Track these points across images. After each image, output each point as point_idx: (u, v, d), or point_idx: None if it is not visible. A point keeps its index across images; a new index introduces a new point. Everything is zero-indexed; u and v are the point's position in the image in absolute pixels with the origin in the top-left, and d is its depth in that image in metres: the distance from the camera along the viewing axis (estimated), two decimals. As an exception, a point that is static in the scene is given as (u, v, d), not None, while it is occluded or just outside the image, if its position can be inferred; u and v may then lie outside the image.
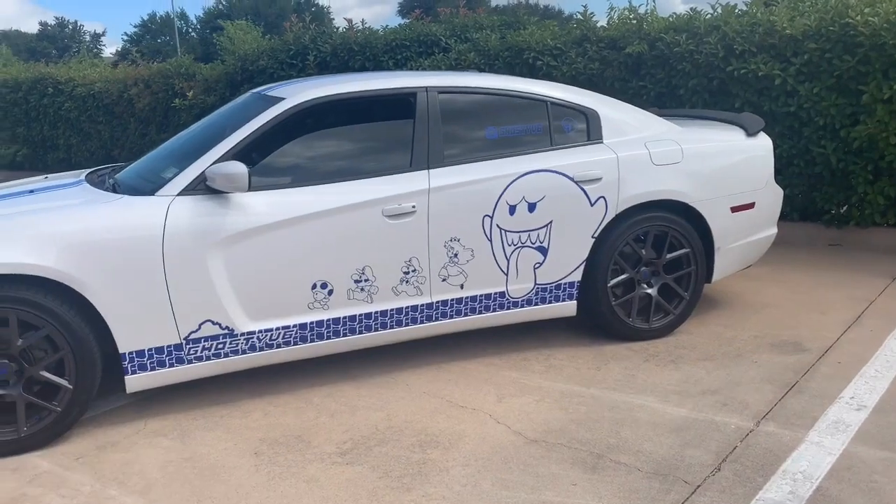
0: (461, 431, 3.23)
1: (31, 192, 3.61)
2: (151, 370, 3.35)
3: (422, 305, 3.72)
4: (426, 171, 3.67)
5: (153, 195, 3.35)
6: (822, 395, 3.41)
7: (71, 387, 3.21)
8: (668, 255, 4.11)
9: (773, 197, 4.43)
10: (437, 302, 3.74)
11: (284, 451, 3.14)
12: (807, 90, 5.65)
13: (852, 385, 3.49)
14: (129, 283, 3.22)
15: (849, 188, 5.75)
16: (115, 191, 3.52)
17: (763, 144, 4.38)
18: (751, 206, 4.31)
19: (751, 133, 4.37)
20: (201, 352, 3.41)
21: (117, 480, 2.97)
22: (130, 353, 3.29)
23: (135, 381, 3.33)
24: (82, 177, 3.90)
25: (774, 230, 4.53)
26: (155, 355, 3.34)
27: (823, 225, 5.96)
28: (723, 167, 4.20)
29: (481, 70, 7.13)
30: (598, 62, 6.50)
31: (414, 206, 3.59)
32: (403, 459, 3.03)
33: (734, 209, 4.25)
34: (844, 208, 5.87)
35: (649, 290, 4.12)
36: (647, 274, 4.12)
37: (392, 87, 3.76)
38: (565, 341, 4.16)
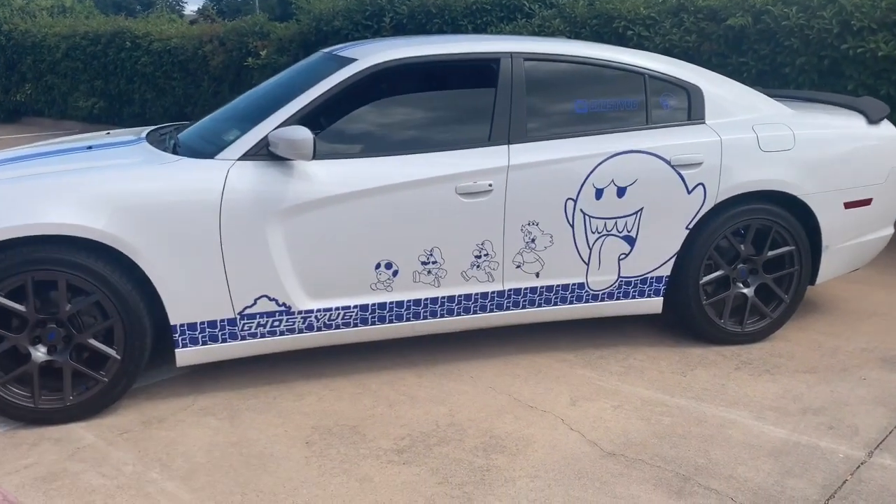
0: (530, 436, 2.93)
1: (90, 148, 3.43)
2: (203, 344, 3.15)
3: (492, 293, 3.42)
4: (506, 147, 3.34)
5: (213, 158, 3.12)
6: (944, 424, 2.99)
7: (119, 357, 3.04)
8: (770, 253, 3.69)
9: (893, 193, 3.94)
10: (510, 290, 3.43)
11: (337, 442, 2.90)
12: (932, 74, 5.06)
13: (981, 415, 3.05)
14: (183, 251, 3.01)
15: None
16: (174, 151, 3.30)
17: (886, 134, 3.88)
18: (867, 202, 3.84)
19: (873, 120, 3.88)
20: (256, 328, 3.19)
21: (160, 461, 2.78)
22: (182, 325, 3.10)
23: (185, 355, 3.14)
24: (143, 135, 3.71)
25: (891, 231, 4.05)
26: (207, 329, 3.13)
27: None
28: (839, 157, 3.73)
29: (567, 38, 6.69)
30: (696, 34, 5.99)
31: (491, 185, 3.27)
32: (466, 464, 2.75)
33: (848, 205, 3.79)
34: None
35: (745, 290, 3.71)
36: (745, 272, 3.71)
37: (473, 51, 3.43)
38: (646, 340, 3.80)
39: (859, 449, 2.83)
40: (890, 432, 2.94)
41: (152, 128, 3.96)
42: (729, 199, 3.58)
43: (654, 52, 5.87)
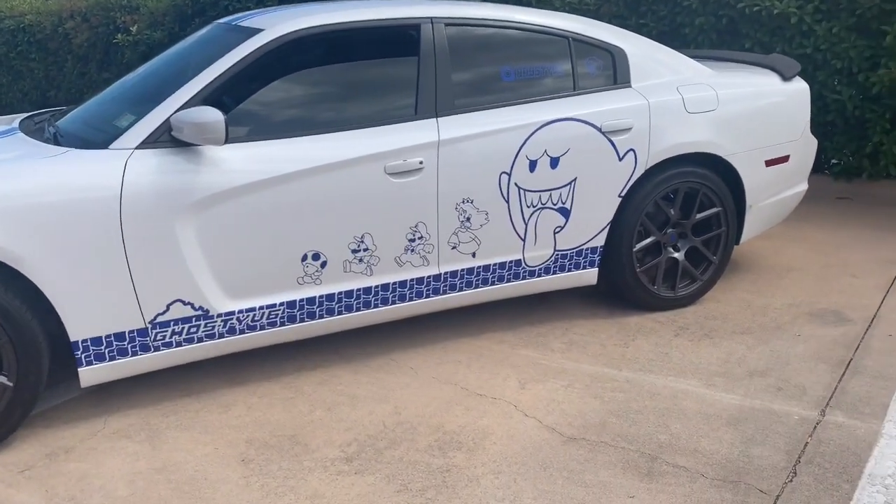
0: (485, 427, 2.76)
1: (-48, 143, 2.95)
2: (111, 360, 2.78)
3: (428, 277, 3.20)
4: (434, 120, 3.11)
5: (106, 148, 2.72)
6: (882, 375, 3.04)
7: (11, 384, 2.63)
8: (699, 215, 3.66)
9: (807, 149, 3.99)
10: (446, 273, 3.23)
11: (278, 456, 2.63)
12: (824, 30, 5.19)
13: (913, 363, 3.13)
14: (79, 257, 2.62)
15: (863, 137, 5.37)
16: (57, 142, 2.88)
17: (800, 90, 3.91)
18: (785, 159, 3.87)
19: (787, 77, 3.90)
20: (171, 337, 2.85)
21: (74, 500, 2.43)
22: (84, 340, 2.71)
23: (90, 374, 2.77)
24: (15, 124, 3.23)
25: (805, 186, 4.11)
26: (115, 342, 2.77)
27: (832, 177, 5.59)
28: (759, 116, 3.73)
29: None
30: (595, -4, 5.93)
31: (421, 162, 3.04)
32: (423, 466, 2.55)
33: (768, 163, 3.80)
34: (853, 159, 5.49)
35: (676, 255, 3.67)
36: (675, 236, 3.67)
37: (390, 17, 3.16)
38: (581, 313, 3.70)
39: (811, 408, 2.83)
40: (835, 389, 2.96)
41: (24, 116, 3.46)
42: (658, 163, 3.50)
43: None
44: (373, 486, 2.46)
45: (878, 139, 5.26)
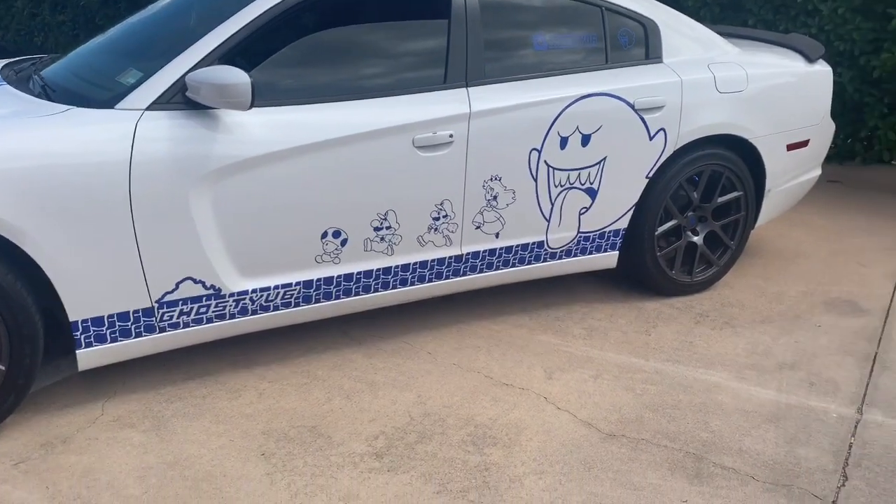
0: (518, 421, 2.62)
1: (-73, 93, 2.61)
2: (112, 341, 2.53)
3: (450, 258, 3.02)
4: (464, 90, 2.89)
5: (112, 108, 2.43)
6: (910, 371, 3.00)
7: (3, 367, 2.36)
8: (720, 199, 3.54)
9: (826, 134, 3.91)
10: (468, 254, 3.05)
11: (300, 451, 2.44)
12: (829, 10, 5.10)
13: (937, 359, 3.09)
14: (83, 230, 2.35)
15: (859, 121, 5.34)
16: (48, 97, 2.57)
17: (824, 73, 3.81)
18: (805, 143, 3.78)
19: (812, 59, 3.78)
20: (178, 317, 2.61)
21: (81, 499, 2.20)
22: (84, 321, 2.46)
23: (89, 357, 2.51)
24: (-5, 74, 2.90)
25: (819, 171, 4.04)
26: (118, 322, 2.52)
27: (824, 160, 5.55)
28: (786, 98, 3.61)
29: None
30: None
31: (451, 136, 2.83)
32: (459, 464, 2.39)
33: (790, 147, 3.70)
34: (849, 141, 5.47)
35: (695, 239, 3.56)
36: (694, 220, 3.55)
37: (421, -24, 2.91)
38: (596, 297, 3.57)
39: (847, 405, 2.76)
40: (867, 385, 2.90)
41: (2, 63, 3.11)
42: (687, 144, 3.36)
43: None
44: (409, 485, 2.29)
45: (874, 123, 5.23)
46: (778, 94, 3.58)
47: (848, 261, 4.07)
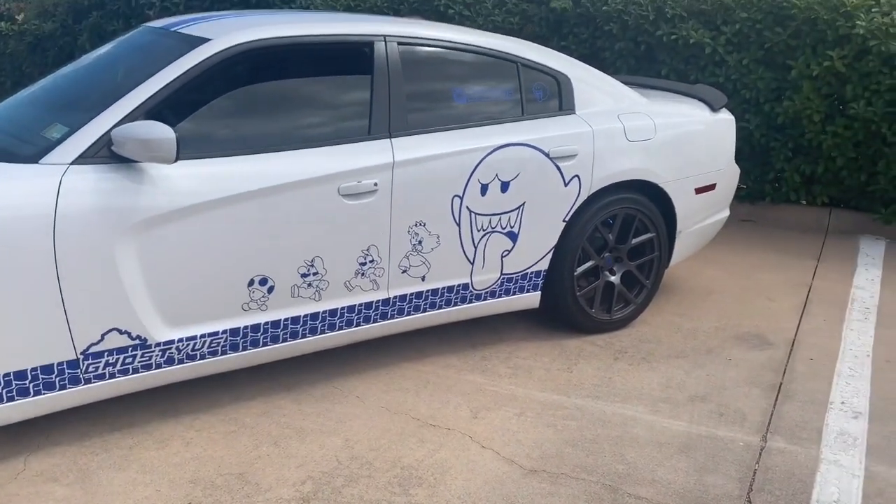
0: (443, 461, 2.70)
1: None
2: (36, 395, 2.53)
3: (377, 302, 3.11)
4: (388, 141, 3.02)
5: (37, 163, 2.47)
6: (811, 400, 3.19)
7: (-80, 425, 2.34)
8: (634, 241, 3.74)
9: (732, 178, 4.17)
10: (395, 297, 3.14)
11: (228, 498, 2.46)
12: (735, 61, 5.46)
13: (835, 388, 3.30)
14: (6, 282, 2.36)
15: (766, 164, 5.68)
16: (-30, 152, 2.59)
17: (727, 121, 4.08)
18: (713, 187, 4.02)
19: (715, 108, 4.06)
20: (104, 368, 2.62)
21: (0, 556, 2.18)
22: (6, 375, 2.45)
23: (12, 411, 2.50)
24: (-84, 128, 2.89)
25: (727, 213, 4.30)
26: (41, 376, 2.51)
27: (737, 200, 5.87)
28: (691, 146, 3.86)
29: (384, 13, 6.39)
30: (518, 16, 5.98)
31: (376, 184, 2.95)
32: (385, 505, 2.46)
33: (698, 190, 3.94)
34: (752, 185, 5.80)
35: (612, 278, 3.73)
36: (611, 260, 3.73)
37: (345, 32, 3.05)
38: (522, 336, 3.70)
39: (753, 434, 2.93)
40: (771, 414, 3.08)
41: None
42: (600, 189, 3.55)
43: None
44: (335, 528, 2.34)
45: (780, 166, 5.58)
46: (684, 142, 3.82)
47: (758, 296, 4.31)
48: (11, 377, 2.46)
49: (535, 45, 3.60)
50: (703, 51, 5.49)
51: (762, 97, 5.47)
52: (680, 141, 3.80)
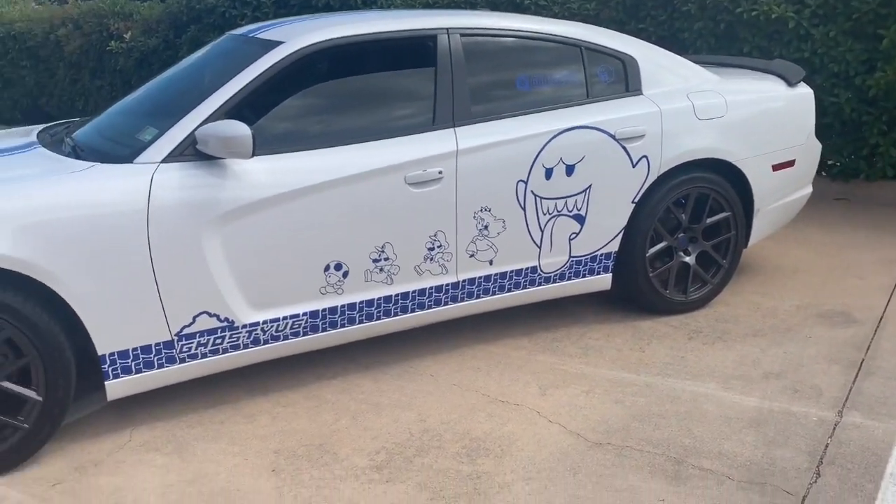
0: (510, 434, 2.80)
1: (-28, 158, 2.95)
2: (137, 373, 2.79)
3: (447, 285, 3.24)
4: (452, 130, 3.14)
5: (131, 162, 2.74)
6: (895, 376, 3.10)
7: (40, 398, 2.63)
8: (709, 220, 3.71)
9: (812, 153, 4.06)
10: (464, 280, 3.26)
11: (308, 466, 2.65)
12: (821, 34, 5.28)
13: (923, 363, 3.19)
14: (108, 272, 2.64)
15: (859, 139, 5.46)
16: (77, 156, 2.88)
17: (805, 95, 3.98)
18: (791, 163, 3.94)
19: (792, 83, 3.96)
20: (196, 349, 2.86)
21: (108, 514, 2.44)
22: (111, 354, 2.73)
23: (117, 387, 2.78)
24: (33, 137, 3.23)
25: (810, 189, 4.18)
26: (141, 355, 2.78)
27: (829, 178, 5.67)
28: (766, 122, 3.79)
29: (462, 8, 6.53)
30: (595, 1, 5.98)
31: (441, 172, 3.08)
32: (453, 473, 2.58)
33: (775, 167, 3.87)
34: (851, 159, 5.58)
35: (687, 259, 3.72)
36: (685, 241, 3.72)
37: (409, 28, 3.19)
38: (596, 318, 3.75)
39: (828, 409, 2.88)
40: (850, 390, 3.02)
41: (41, 128, 3.46)
42: (670, 169, 3.56)
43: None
44: (405, 494, 2.49)
45: (874, 141, 5.35)
46: (758, 118, 3.76)
47: (846, 274, 4.18)
48: (116, 356, 2.74)
49: (599, 28, 3.64)
50: (787, 25, 5.34)
51: (852, 70, 5.27)
52: (754, 117, 3.74)
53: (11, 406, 2.63)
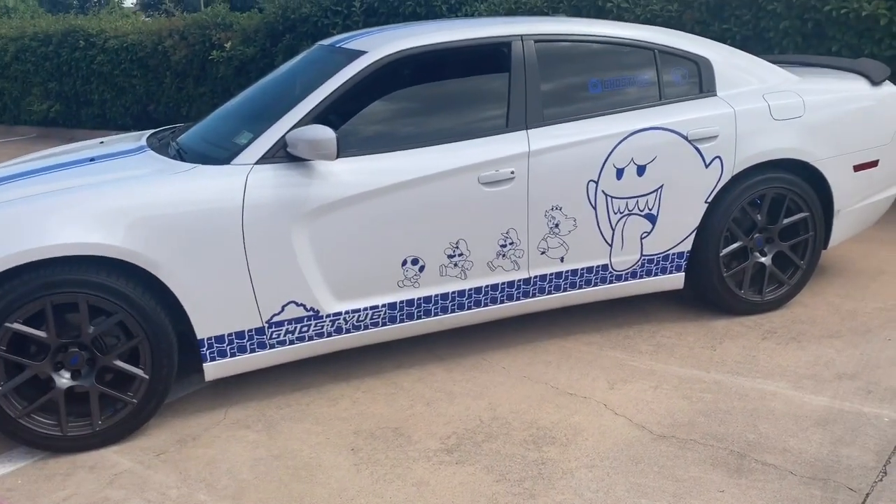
0: (577, 424, 2.91)
1: (92, 160, 3.28)
2: (231, 356, 3.05)
3: (518, 281, 3.37)
4: (524, 132, 3.28)
5: (228, 164, 3.00)
6: (977, 380, 3.04)
7: (147, 376, 2.92)
8: (786, 221, 3.70)
9: (898, 153, 3.98)
10: (535, 277, 3.39)
11: (383, 446, 2.84)
12: (916, 31, 5.12)
13: None
14: (206, 262, 2.90)
15: (958, 139, 5.24)
16: (181, 158, 3.17)
17: (889, 94, 3.91)
18: (874, 164, 3.87)
19: (875, 82, 3.90)
20: (284, 335, 3.10)
21: (205, 482, 2.70)
22: (209, 338, 2.99)
23: (214, 369, 3.04)
24: (143, 141, 3.56)
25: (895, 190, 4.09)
26: (235, 340, 3.04)
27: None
28: (847, 122, 3.75)
29: (544, 14, 6.64)
30: (677, 3, 5.98)
31: (513, 172, 3.22)
32: (519, 458, 2.72)
33: (857, 168, 3.82)
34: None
35: (763, 259, 3.72)
36: (761, 241, 3.72)
37: (484, 35, 3.35)
38: (669, 316, 3.80)
39: (902, 411, 2.86)
40: (927, 392, 2.98)
41: (150, 133, 3.80)
42: (745, 170, 3.58)
43: (635, 22, 5.84)
44: (473, 475, 2.64)
45: (974, 140, 5.13)
46: (838, 118, 3.72)
47: (934, 278, 4.07)
48: (213, 341, 3.00)
49: (673, 31, 3.69)
50: (878, 23, 5.20)
51: (948, 67, 5.08)
52: (833, 117, 3.71)
53: (122, 383, 2.93)
